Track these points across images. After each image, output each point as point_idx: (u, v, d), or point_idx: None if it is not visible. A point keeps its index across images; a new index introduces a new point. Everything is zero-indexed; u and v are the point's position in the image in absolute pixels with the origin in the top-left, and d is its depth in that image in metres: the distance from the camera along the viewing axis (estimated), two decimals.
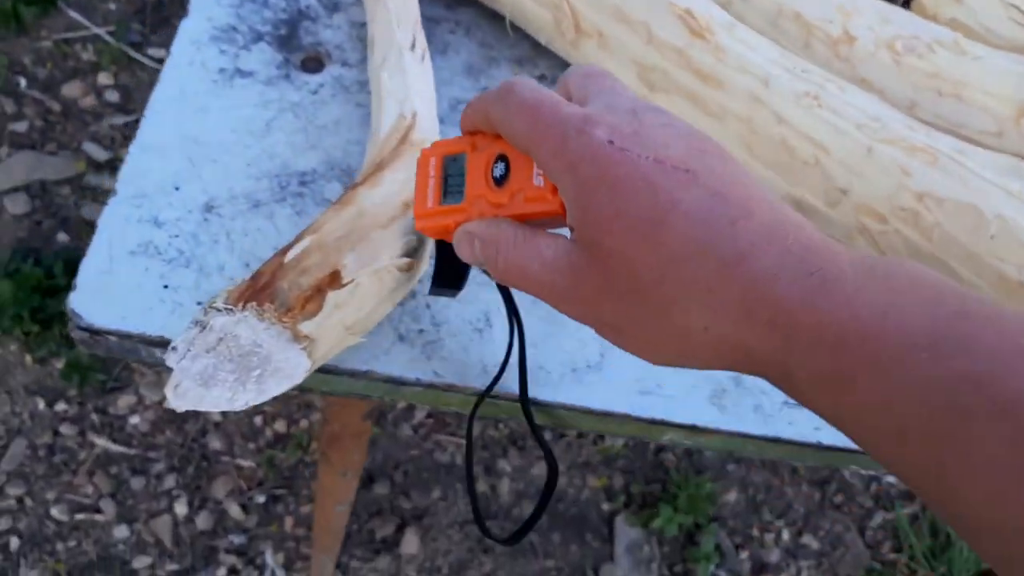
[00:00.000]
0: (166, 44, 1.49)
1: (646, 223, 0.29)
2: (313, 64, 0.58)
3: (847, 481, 1.34)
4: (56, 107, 1.42)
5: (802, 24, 0.60)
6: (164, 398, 0.41)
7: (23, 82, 1.43)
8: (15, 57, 1.45)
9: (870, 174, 0.51)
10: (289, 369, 0.41)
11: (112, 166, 1.36)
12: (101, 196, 1.33)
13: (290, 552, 1.18)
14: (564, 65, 0.62)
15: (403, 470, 1.24)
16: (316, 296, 0.41)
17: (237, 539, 1.18)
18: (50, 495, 1.15)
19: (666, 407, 0.49)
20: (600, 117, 0.31)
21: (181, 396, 0.41)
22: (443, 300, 0.50)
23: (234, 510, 1.19)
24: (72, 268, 1.21)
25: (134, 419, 1.21)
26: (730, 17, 0.56)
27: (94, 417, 1.20)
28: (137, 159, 0.51)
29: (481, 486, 1.24)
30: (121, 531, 1.15)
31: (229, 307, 0.39)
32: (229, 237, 0.49)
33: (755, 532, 1.33)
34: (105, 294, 0.46)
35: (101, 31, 1.49)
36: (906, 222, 0.50)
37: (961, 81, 0.57)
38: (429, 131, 0.49)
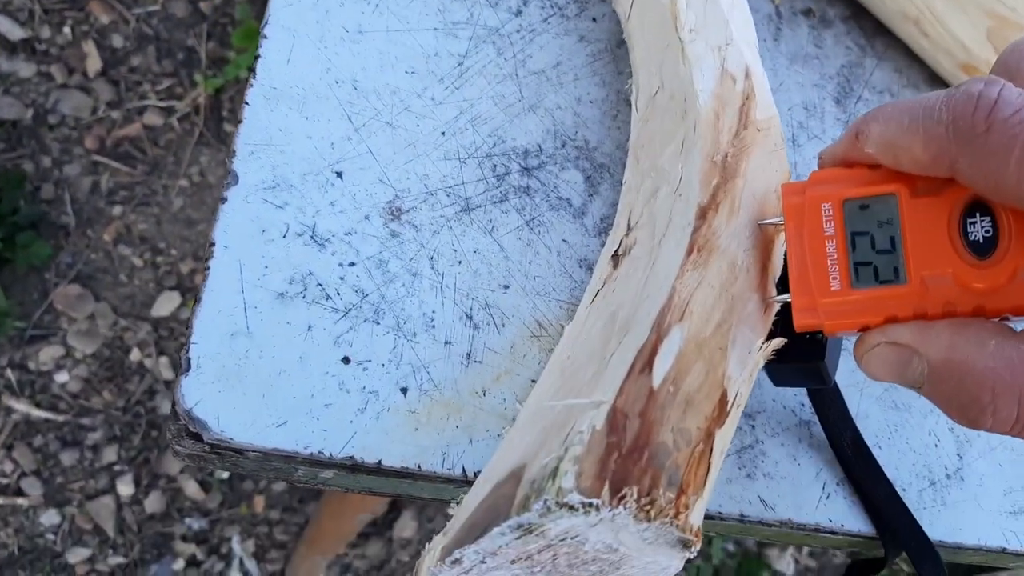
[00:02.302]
0: None
1: None
2: None
3: None
4: None
5: None
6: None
7: None
8: None
9: None
10: None
11: (30, 48, 1.05)
12: (16, 87, 1.03)
13: (262, 538, 0.99)
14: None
15: None
16: (707, 449, 0.22)
17: (196, 524, 0.97)
18: None
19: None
20: None
21: None
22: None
23: (191, 488, 0.98)
24: None
25: (61, 376, 0.97)
26: None
27: (10, 374, 0.95)
28: (263, 117, 0.29)
29: None
30: (50, 517, 0.92)
31: (592, 502, 0.20)
32: (434, 266, 0.29)
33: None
34: (244, 379, 0.25)
35: None
36: None
37: None
38: (770, 106, 0.30)
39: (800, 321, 0.24)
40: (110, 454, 0.97)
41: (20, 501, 0.92)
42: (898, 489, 0.32)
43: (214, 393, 0.25)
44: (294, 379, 0.26)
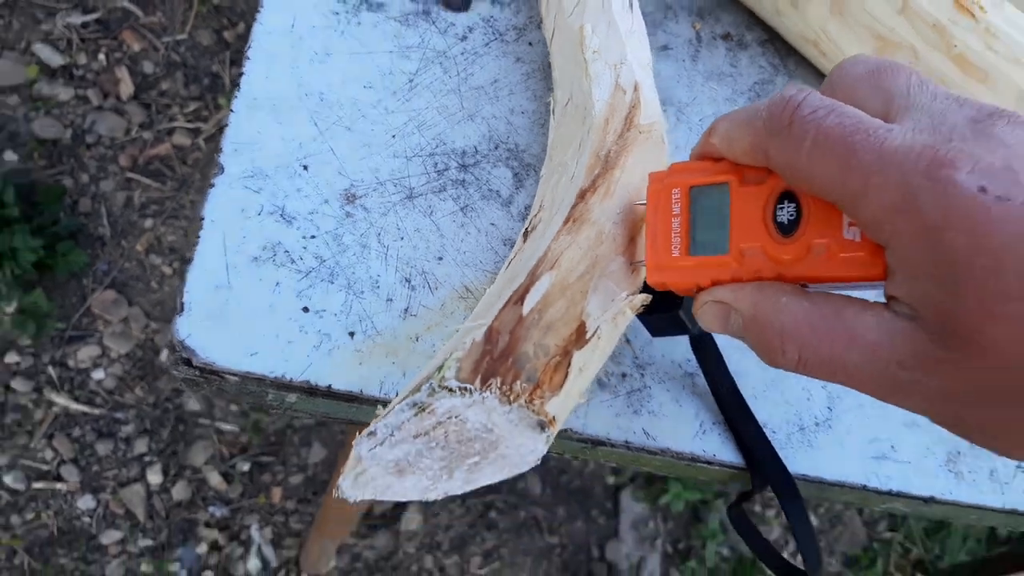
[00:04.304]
0: None
1: None
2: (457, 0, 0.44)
3: None
4: None
5: None
6: (340, 489, 0.29)
7: None
8: None
9: None
10: (517, 457, 0.30)
11: (69, 74, 1.15)
12: (56, 109, 1.13)
13: (278, 527, 1.06)
14: (752, 22, 0.50)
15: None
16: (563, 360, 0.29)
17: (218, 511, 1.05)
18: (2, 460, 0.99)
19: (902, 476, 0.40)
20: (951, 150, 0.22)
21: (361, 485, 0.29)
22: (645, 335, 0.39)
23: (215, 479, 1.06)
24: (25, 196, 1.03)
25: (98, 374, 1.06)
26: None
27: (51, 371, 1.04)
28: (246, 120, 0.37)
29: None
30: (86, 501, 1.01)
31: (466, 386, 0.27)
32: (381, 240, 0.36)
33: (758, 509, 1.28)
34: (225, 319, 0.33)
35: None
36: None
37: None
38: (655, 114, 0.37)
39: (649, 279, 0.30)
40: (141, 445, 1.05)
41: (59, 486, 1.01)
42: (768, 432, 0.39)
43: (201, 329, 0.32)
44: (264, 321, 0.33)
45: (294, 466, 1.09)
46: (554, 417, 0.29)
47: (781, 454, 0.38)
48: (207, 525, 1.04)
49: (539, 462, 0.30)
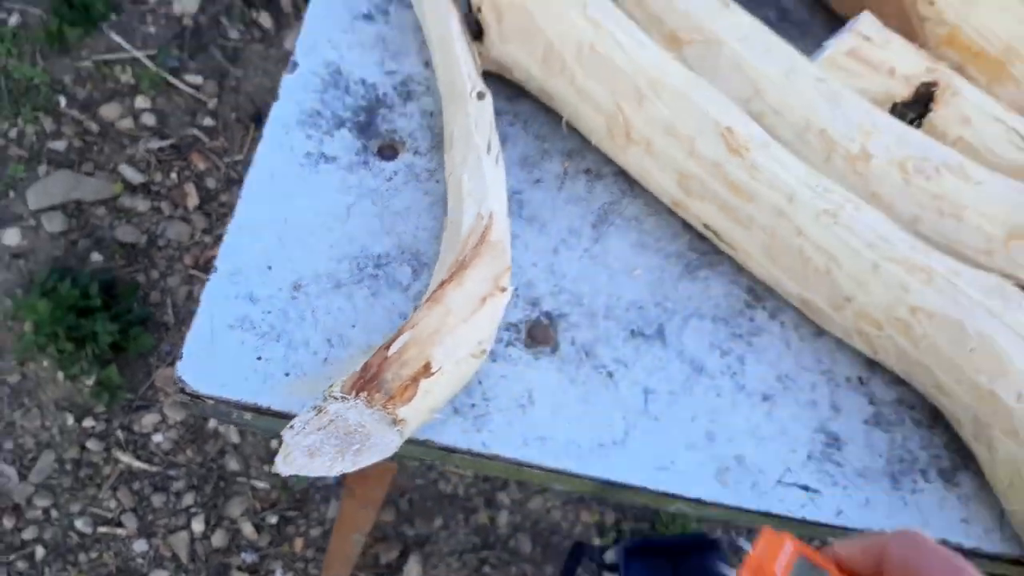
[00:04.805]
0: (203, 71, 1.55)
1: None
2: (388, 152, 0.64)
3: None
4: (94, 128, 1.48)
5: (826, 139, 0.67)
6: (276, 465, 0.47)
7: (63, 101, 1.49)
8: (56, 76, 1.51)
9: (873, 287, 0.58)
10: (383, 445, 0.48)
11: (147, 189, 1.42)
12: (135, 218, 1.39)
13: (299, 572, 1.23)
14: (609, 161, 0.68)
15: (408, 498, 1.30)
16: (412, 385, 0.47)
17: (249, 557, 1.23)
18: (75, 508, 1.20)
19: (678, 482, 0.56)
20: None
21: (289, 463, 0.47)
22: (493, 375, 0.56)
23: (248, 529, 1.25)
24: (107, 289, 1.27)
25: (157, 437, 1.27)
26: (766, 136, 0.63)
27: (119, 434, 1.26)
28: (235, 237, 0.57)
29: (481, 517, 1.30)
30: (140, 545, 1.20)
31: (345, 396, 0.45)
32: (314, 315, 0.55)
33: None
34: (208, 363, 0.52)
35: (141, 55, 1.55)
36: (899, 331, 0.58)
37: (961, 204, 0.64)
38: (503, 232, 0.56)
39: None
40: (188, 499, 1.25)
41: (119, 531, 1.20)
42: (575, 446, 0.55)
43: (192, 370, 0.51)
44: (232, 366, 0.52)
45: (315, 520, 1.26)
46: (404, 419, 0.47)
47: (581, 463, 0.55)
48: (239, 569, 1.22)
49: (398, 449, 0.48)
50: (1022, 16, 0.74)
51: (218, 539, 1.23)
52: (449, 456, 0.54)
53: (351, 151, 0.64)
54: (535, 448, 0.54)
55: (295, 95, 0.65)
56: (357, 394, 0.45)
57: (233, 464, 1.27)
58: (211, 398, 0.51)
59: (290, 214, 0.59)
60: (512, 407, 0.56)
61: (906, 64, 0.72)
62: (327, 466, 0.47)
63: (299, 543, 1.25)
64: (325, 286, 0.57)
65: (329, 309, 0.56)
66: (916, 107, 0.73)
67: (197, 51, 1.59)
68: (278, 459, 0.46)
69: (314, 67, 0.67)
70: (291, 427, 0.46)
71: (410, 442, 0.53)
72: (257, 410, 0.52)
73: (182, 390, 0.51)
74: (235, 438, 1.29)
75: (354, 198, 0.61)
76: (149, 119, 1.51)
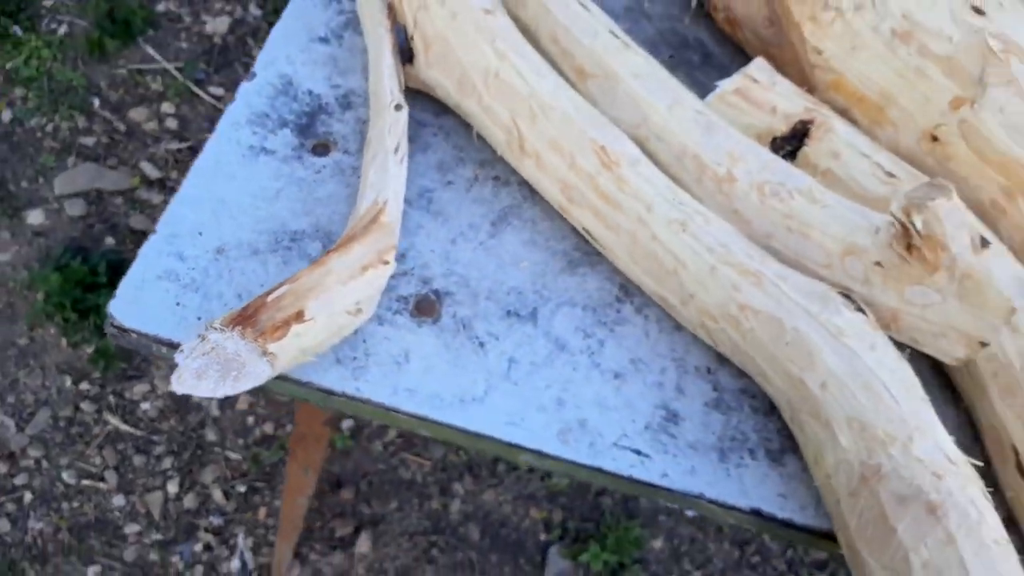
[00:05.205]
0: (225, 84, 1.70)
1: None
2: (321, 149, 0.76)
3: (766, 544, 1.48)
4: (122, 127, 1.63)
5: (699, 163, 0.77)
6: (170, 383, 0.59)
7: (96, 102, 1.65)
8: (93, 80, 1.67)
9: (711, 287, 0.68)
10: (256, 374, 0.59)
11: (163, 184, 1.56)
12: (148, 209, 1.53)
13: (259, 539, 1.34)
14: (516, 171, 0.79)
15: (368, 480, 1.41)
16: (284, 327, 0.58)
17: (216, 520, 1.34)
18: (63, 460, 1.33)
19: (524, 436, 0.65)
20: None
21: (181, 383, 0.58)
22: (378, 336, 0.67)
23: (217, 495, 1.36)
24: (114, 269, 1.41)
25: (145, 405, 1.39)
26: (638, 155, 0.74)
27: (111, 399, 1.39)
28: (177, 207, 0.69)
29: (435, 504, 1.40)
30: (119, 500, 1.32)
31: (223, 328, 0.56)
32: (230, 274, 0.67)
33: None
34: (135, 304, 0.64)
35: (171, 66, 1.71)
36: (731, 325, 0.67)
37: (808, 223, 0.74)
38: (395, 216, 0.67)
39: None
40: (167, 462, 1.37)
41: (101, 485, 1.33)
42: (439, 399, 0.65)
43: (122, 308, 0.63)
44: (155, 308, 0.64)
45: (280, 492, 1.37)
46: (274, 353, 0.58)
47: (443, 413, 0.65)
48: (205, 530, 1.33)
49: (271, 377, 0.59)
50: (897, 67, 0.84)
51: (189, 501, 1.35)
52: (328, 399, 0.65)
53: (289, 147, 0.76)
54: (403, 397, 0.65)
55: (249, 99, 0.77)
56: (233, 327, 0.56)
57: (211, 435, 1.39)
58: (134, 331, 0.63)
59: (227, 194, 0.71)
60: (389, 363, 0.66)
61: (787, 104, 0.82)
62: (211, 388, 0.58)
63: (263, 512, 1.36)
64: (244, 252, 0.68)
65: (244, 271, 0.67)
66: (792, 141, 0.83)
67: (222, 66, 1.74)
68: (172, 378, 0.57)
69: (270, 78, 0.80)
70: (181, 350, 0.57)
71: (295, 383, 0.64)
72: (170, 344, 0.63)
73: (112, 323, 0.63)
74: (216, 412, 1.41)
75: (283, 184, 0.73)
76: (172, 123, 1.66)
